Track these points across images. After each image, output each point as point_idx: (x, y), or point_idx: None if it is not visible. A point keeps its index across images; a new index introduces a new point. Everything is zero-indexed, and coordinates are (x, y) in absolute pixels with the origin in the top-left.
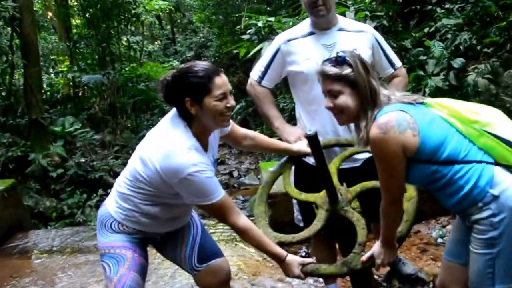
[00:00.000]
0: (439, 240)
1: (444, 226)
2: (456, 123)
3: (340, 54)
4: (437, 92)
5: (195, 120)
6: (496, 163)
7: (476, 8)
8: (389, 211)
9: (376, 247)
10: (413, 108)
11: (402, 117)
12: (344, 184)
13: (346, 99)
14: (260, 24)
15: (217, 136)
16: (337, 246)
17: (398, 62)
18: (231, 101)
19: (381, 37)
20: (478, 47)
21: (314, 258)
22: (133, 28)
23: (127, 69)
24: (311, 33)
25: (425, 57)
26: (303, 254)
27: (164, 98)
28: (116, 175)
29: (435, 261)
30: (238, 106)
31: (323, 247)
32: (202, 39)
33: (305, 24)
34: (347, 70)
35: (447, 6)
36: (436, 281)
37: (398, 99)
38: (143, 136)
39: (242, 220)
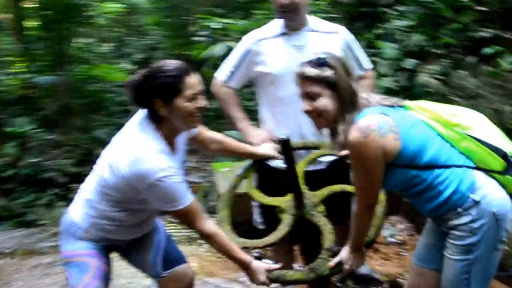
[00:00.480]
0: (390, 239)
1: (394, 225)
2: (437, 127)
3: (321, 56)
4: (387, 93)
5: (164, 122)
6: (477, 168)
7: (428, 10)
8: (363, 216)
9: (344, 252)
10: (394, 111)
11: (383, 120)
12: (307, 187)
13: (325, 102)
14: (216, 26)
15: (185, 138)
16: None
17: (367, 64)
18: (202, 102)
19: (353, 38)
20: (429, 48)
21: (274, 261)
22: (84, 30)
23: (78, 70)
24: (282, 34)
25: (376, 58)
26: (256, 255)
27: (132, 100)
28: (67, 175)
29: (387, 260)
30: None
31: (283, 250)
32: (153, 41)
33: (276, 25)
34: (328, 72)
35: (399, 8)
36: (405, 283)
37: (378, 102)
38: (94, 136)
39: (209, 225)
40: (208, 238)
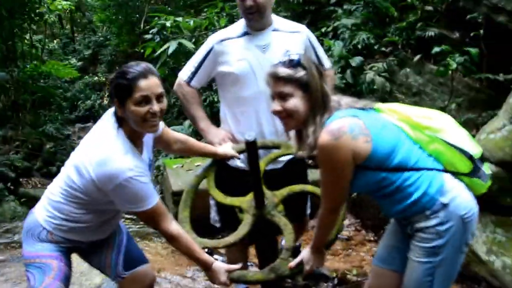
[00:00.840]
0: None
1: None
2: (406, 129)
3: (295, 56)
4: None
5: (124, 122)
6: (445, 170)
7: (374, 9)
8: (327, 219)
9: (305, 253)
10: (365, 114)
11: (355, 123)
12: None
13: (296, 102)
14: (168, 24)
15: (151, 138)
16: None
17: (327, 63)
18: (155, 107)
19: (315, 37)
20: (376, 46)
21: (226, 258)
22: (35, 27)
23: (29, 66)
24: (245, 34)
25: None
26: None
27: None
28: (17, 169)
29: (334, 256)
30: None
31: (237, 248)
32: (101, 38)
33: (239, 25)
34: (301, 73)
35: (346, 6)
36: (366, 283)
37: (349, 104)
38: (44, 131)
39: (173, 226)
40: (172, 239)
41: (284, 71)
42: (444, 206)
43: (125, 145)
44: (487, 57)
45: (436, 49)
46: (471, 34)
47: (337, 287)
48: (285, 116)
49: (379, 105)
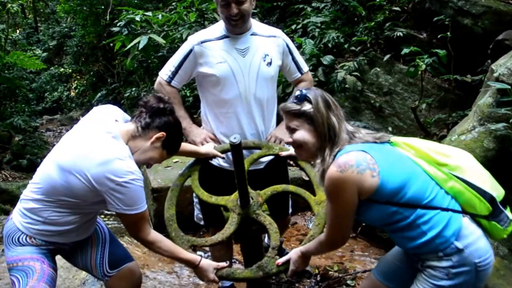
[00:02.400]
0: None
1: None
2: (423, 165)
3: (301, 91)
4: None
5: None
6: (463, 211)
7: (342, 7)
8: (325, 247)
9: (293, 254)
10: (376, 148)
11: (363, 157)
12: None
13: (303, 134)
14: (137, 18)
15: None
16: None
17: (305, 67)
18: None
19: (291, 42)
20: (346, 45)
21: (211, 255)
22: None
23: None
24: (225, 36)
25: None
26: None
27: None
28: None
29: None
30: (98, 94)
31: (222, 246)
32: (65, 29)
33: (219, 27)
34: (307, 107)
35: (314, 4)
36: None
37: (362, 137)
38: (11, 123)
39: (152, 233)
40: (152, 244)
41: (291, 105)
42: (459, 250)
43: (126, 149)
44: (455, 58)
45: (405, 50)
46: (439, 36)
47: (319, 283)
48: (296, 146)
49: (395, 138)
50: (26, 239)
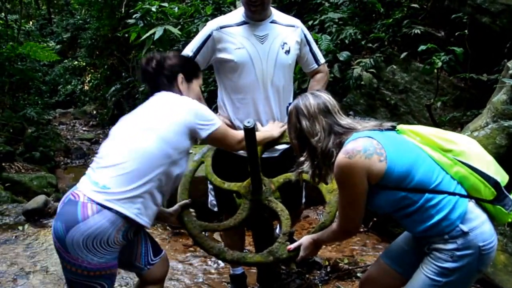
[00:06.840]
0: None
1: None
2: (429, 151)
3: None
4: None
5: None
6: (469, 196)
7: (361, 4)
8: (337, 235)
9: (305, 240)
10: (381, 134)
11: (369, 142)
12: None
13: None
14: (153, 9)
15: None
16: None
17: (322, 59)
18: None
19: (309, 33)
20: (363, 42)
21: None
22: (9, 6)
23: (6, 47)
24: (244, 23)
25: None
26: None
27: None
28: None
29: (325, 246)
30: (112, 88)
31: (233, 232)
32: (80, 21)
33: (238, 13)
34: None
35: (332, 0)
36: (367, 272)
37: (367, 126)
38: (24, 115)
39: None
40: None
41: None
42: (464, 233)
43: None
44: (472, 56)
45: (422, 47)
46: (456, 34)
47: (329, 275)
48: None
49: (401, 126)
50: (113, 239)
